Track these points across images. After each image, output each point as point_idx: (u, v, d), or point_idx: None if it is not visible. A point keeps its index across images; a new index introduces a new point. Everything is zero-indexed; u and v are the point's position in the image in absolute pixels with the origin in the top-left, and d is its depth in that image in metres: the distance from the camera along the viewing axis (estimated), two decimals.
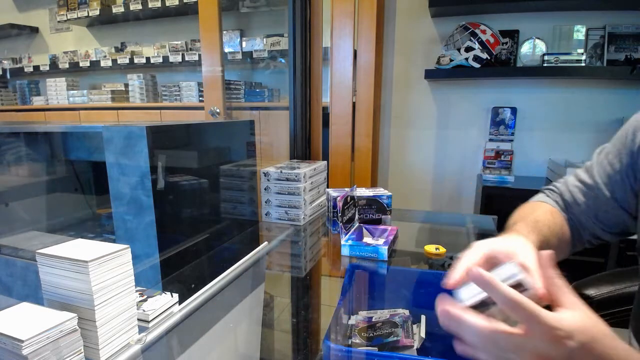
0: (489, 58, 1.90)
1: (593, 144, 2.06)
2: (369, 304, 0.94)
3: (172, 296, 0.70)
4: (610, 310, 0.97)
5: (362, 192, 1.26)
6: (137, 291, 0.64)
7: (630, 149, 0.64)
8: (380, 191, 1.26)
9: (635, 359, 0.40)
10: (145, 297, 0.69)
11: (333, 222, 1.22)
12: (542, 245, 0.62)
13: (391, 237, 1.10)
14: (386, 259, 1.01)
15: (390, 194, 1.24)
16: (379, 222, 1.23)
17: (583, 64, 1.86)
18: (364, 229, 1.17)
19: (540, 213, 0.71)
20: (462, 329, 0.42)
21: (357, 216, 1.22)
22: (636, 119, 0.65)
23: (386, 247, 1.02)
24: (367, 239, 1.10)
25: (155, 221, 0.87)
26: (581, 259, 2.07)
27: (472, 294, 0.45)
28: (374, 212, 1.23)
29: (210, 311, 0.78)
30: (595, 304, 0.98)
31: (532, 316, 0.38)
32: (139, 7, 2.81)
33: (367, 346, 0.75)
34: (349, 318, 0.84)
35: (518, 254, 0.49)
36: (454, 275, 0.49)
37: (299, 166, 1.38)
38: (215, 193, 1.12)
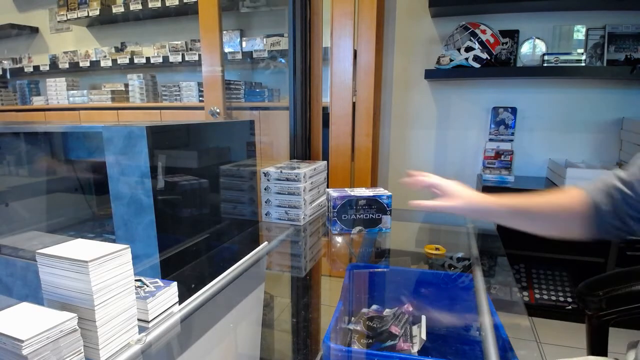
0: (489, 58, 1.90)
1: (593, 144, 2.06)
2: (368, 304, 0.94)
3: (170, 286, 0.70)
4: (619, 308, 0.98)
5: (362, 192, 1.25)
6: (135, 280, 0.64)
7: None
8: (380, 191, 1.26)
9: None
10: (143, 284, 0.68)
11: (333, 222, 1.22)
12: (509, 204, 0.79)
13: None
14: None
15: (390, 193, 1.24)
16: (379, 222, 1.23)
17: (583, 64, 1.86)
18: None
19: (546, 193, 0.76)
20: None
21: (356, 216, 1.22)
22: None
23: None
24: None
25: (155, 221, 0.87)
26: (581, 259, 2.07)
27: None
28: (374, 212, 1.23)
29: (210, 311, 0.78)
30: (605, 301, 0.99)
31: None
32: (139, 7, 2.81)
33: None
34: (349, 321, 0.84)
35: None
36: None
37: (299, 166, 1.38)
38: (215, 193, 1.12)
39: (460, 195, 0.88)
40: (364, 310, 0.88)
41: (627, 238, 0.70)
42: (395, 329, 0.77)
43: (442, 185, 0.91)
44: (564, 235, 0.75)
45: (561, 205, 0.74)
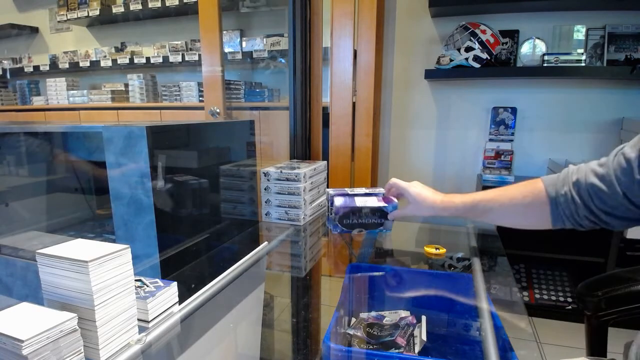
0: (489, 58, 1.90)
1: (593, 144, 2.06)
2: (369, 305, 0.94)
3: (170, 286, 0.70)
4: (618, 308, 0.98)
5: (365, 200, 1.21)
6: (135, 280, 0.64)
7: None
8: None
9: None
10: (143, 284, 0.68)
11: (334, 224, 1.22)
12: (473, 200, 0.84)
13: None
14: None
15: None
16: (380, 225, 1.21)
17: (583, 64, 1.86)
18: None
19: (509, 187, 0.81)
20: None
21: (358, 221, 1.20)
22: None
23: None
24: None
25: (155, 221, 0.87)
26: (581, 259, 2.07)
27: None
28: (376, 217, 1.20)
29: (210, 311, 0.78)
30: (605, 302, 0.99)
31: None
32: (139, 7, 2.81)
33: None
34: (349, 323, 0.84)
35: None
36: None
37: (299, 166, 1.38)
38: (215, 193, 1.12)
39: (422, 200, 0.94)
40: (364, 315, 0.88)
41: (597, 228, 0.70)
42: (401, 340, 0.76)
43: (406, 190, 0.99)
44: (528, 227, 0.77)
45: (519, 200, 0.76)
